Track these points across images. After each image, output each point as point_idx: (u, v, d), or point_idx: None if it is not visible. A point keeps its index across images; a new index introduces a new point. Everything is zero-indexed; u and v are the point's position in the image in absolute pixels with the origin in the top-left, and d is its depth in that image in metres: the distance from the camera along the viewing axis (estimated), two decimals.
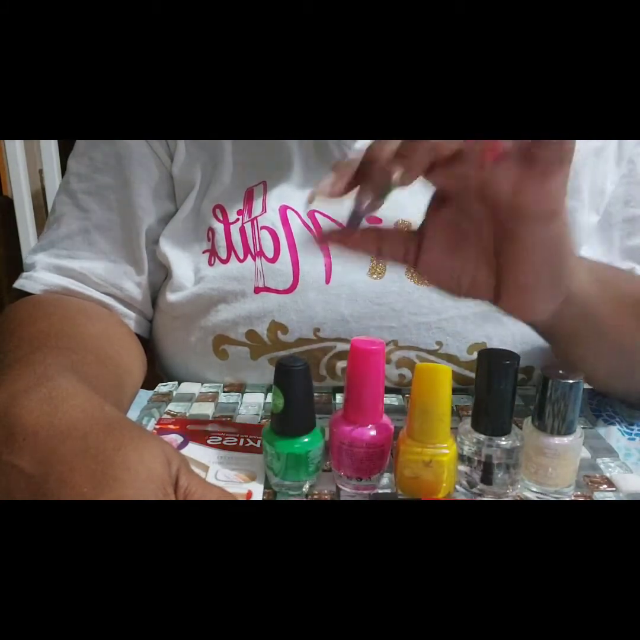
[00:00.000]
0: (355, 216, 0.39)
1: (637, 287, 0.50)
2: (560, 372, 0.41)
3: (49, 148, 1.33)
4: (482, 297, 0.42)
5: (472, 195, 0.39)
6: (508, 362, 0.40)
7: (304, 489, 0.43)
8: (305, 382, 0.41)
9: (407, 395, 0.57)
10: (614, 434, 0.52)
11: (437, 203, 0.42)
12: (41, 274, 0.60)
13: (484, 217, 0.40)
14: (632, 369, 0.52)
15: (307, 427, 0.42)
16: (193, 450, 0.46)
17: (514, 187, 0.37)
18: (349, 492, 0.43)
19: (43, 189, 1.43)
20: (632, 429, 0.53)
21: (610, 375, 0.54)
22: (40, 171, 1.41)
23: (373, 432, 0.41)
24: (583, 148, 0.59)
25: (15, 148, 1.33)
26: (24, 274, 0.61)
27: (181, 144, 0.60)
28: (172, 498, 0.33)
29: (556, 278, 0.41)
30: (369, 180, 0.37)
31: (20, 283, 0.60)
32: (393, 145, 0.36)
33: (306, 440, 0.41)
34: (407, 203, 0.59)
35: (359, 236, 0.41)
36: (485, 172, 0.37)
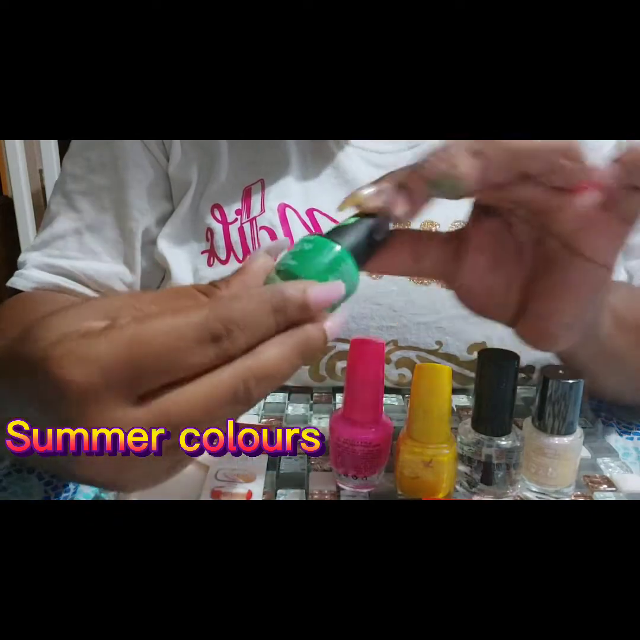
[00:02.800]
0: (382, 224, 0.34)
1: None
2: (560, 372, 0.41)
3: (49, 148, 1.33)
4: (498, 319, 0.39)
5: (523, 215, 0.36)
6: (508, 362, 0.40)
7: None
8: None
9: (407, 395, 0.57)
10: (612, 434, 0.52)
11: (481, 212, 0.37)
12: (32, 271, 0.60)
13: (530, 239, 0.37)
14: None
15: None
16: None
17: (579, 225, 0.34)
18: (348, 491, 0.43)
19: (43, 189, 1.43)
20: (630, 428, 0.53)
21: (623, 392, 0.54)
22: (40, 171, 1.41)
23: (372, 432, 0.41)
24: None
25: (15, 148, 1.33)
26: (16, 272, 0.61)
27: (177, 143, 0.60)
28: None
29: (582, 320, 0.37)
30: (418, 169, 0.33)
31: (12, 281, 0.60)
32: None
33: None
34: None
35: (394, 245, 0.36)
36: (555, 201, 0.34)
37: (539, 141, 0.32)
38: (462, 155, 0.31)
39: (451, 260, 0.37)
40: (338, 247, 0.33)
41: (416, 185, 0.33)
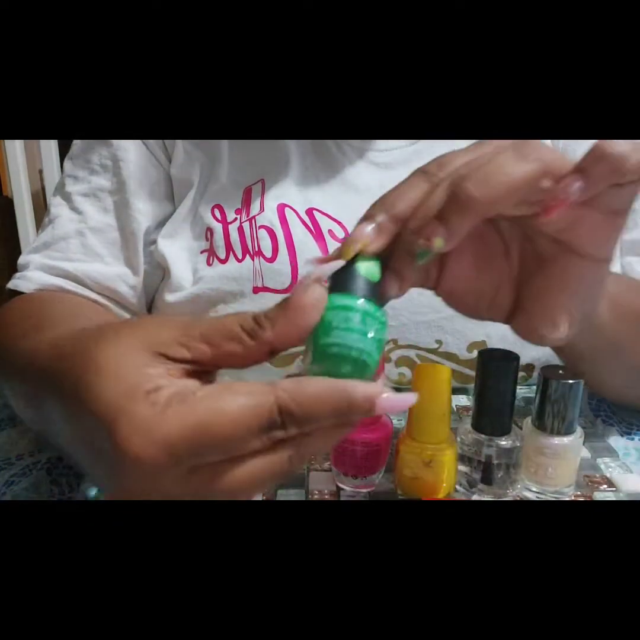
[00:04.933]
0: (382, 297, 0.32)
1: None
2: (560, 372, 0.41)
3: (49, 148, 1.33)
4: (491, 318, 0.38)
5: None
6: (508, 362, 0.40)
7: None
8: None
9: None
10: (613, 434, 0.52)
11: None
12: (35, 273, 0.59)
13: (516, 236, 0.36)
14: None
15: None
16: None
17: (567, 224, 0.33)
18: (347, 491, 0.43)
19: (43, 189, 1.43)
20: (631, 429, 0.53)
21: (625, 388, 0.54)
22: (40, 171, 1.41)
23: (372, 432, 0.41)
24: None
25: (15, 148, 1.33)
26: (18, 274, 0.60)
27: (179, 144, 0.60)
28: (161, 394, 0.27)
29: (581, 313, 0.36)
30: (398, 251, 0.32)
31: (14, 283, 0.60)
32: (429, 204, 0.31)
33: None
34: None
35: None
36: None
37: (522, 170, 0.30)
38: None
39: (433, 266, 0.36)
40: (380, 313, 0.31)
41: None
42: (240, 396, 0.27)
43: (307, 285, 0.28)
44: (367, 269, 0.31)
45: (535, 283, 0.35)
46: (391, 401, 0.28)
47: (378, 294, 0.32)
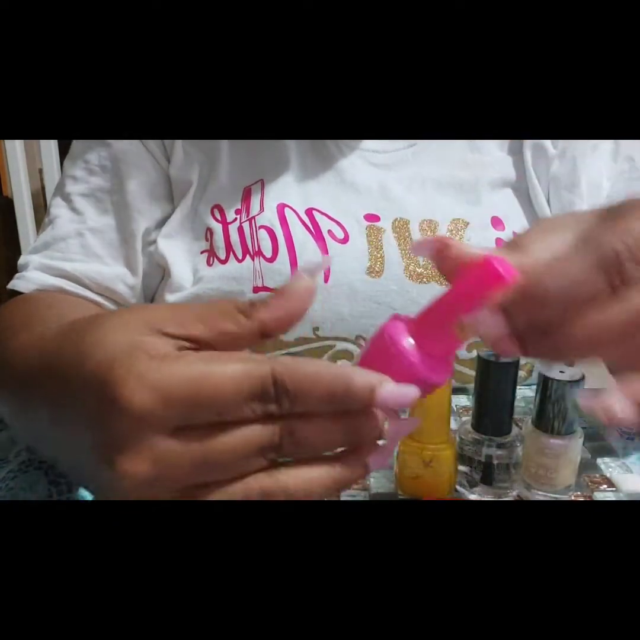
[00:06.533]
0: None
1: None
2: (560, 372, 0.41)
3: (49, 148, 1.33)
4: None
5: None
6: (508, 362, 0.40)
7: None
8: None
9: None
10: (613, 434, 0.52)
11: None
12: (34, 273, 0.60)
13: None
14: None
15: None
16: None
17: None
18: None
19: (43, 188, 1.43)
20: (631, 429, 0.53)
21: None
22: (40, 171, 1.42)
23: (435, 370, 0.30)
24: (581, 142, 0.59)
25: (15, 148, 1.33)
26: (17, 275, 0.61)
27: (178, 144, 0.60)
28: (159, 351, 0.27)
29: None
30: None
31: (14, 283, 0.60)
32: None
33: None
34: (405, 200, 0.59)
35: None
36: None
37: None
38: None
39: None
40: None
41: None
42: (236, 361, 0.27)
43: (300, 276, 0.29)
44: None
45: None
46: (392, 393, 0.27)
47: None
